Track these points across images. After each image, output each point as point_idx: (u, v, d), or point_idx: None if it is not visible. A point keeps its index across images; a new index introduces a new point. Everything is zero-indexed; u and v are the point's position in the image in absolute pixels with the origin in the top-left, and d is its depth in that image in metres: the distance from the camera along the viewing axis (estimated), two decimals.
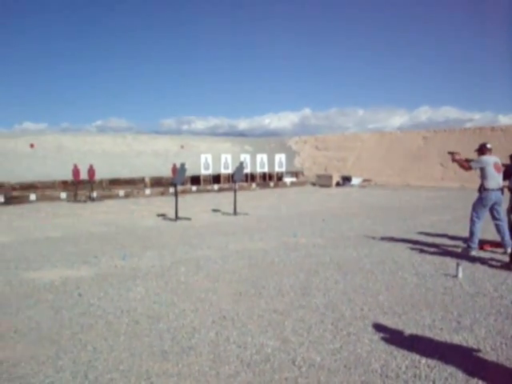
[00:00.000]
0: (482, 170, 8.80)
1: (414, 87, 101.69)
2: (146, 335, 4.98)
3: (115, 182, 23.24)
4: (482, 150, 9.05)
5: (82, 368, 4.20)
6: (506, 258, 8.19)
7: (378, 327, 5.15)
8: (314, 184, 29.94)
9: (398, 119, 79.54)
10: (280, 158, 29.71)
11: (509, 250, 8.38)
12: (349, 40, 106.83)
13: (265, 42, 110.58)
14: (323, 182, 29.14)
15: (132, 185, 23.62)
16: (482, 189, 8.84)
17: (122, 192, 22.20)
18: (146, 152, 29.17)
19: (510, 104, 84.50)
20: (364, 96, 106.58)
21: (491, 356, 4.43)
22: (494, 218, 9.00)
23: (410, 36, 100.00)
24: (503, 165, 9.18)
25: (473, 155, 9.45)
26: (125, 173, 24.64)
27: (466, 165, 9.01)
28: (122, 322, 5.41)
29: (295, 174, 32.05)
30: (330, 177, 29.27)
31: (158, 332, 5.07)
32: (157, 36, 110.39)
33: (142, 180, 24.31)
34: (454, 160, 9.10)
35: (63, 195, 20.88)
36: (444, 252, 9.10)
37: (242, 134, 51.81)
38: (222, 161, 26.42)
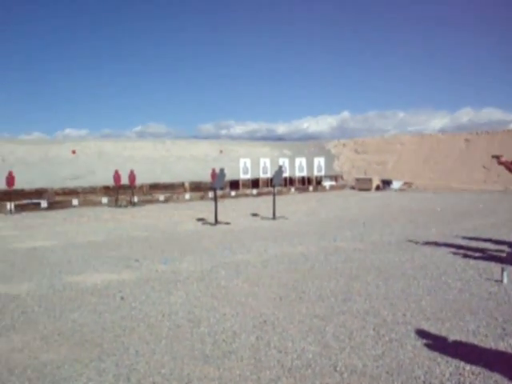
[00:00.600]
0: None
1: (455, 88, 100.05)
2: (187, 339, 5.00)
3: (155, 187, 23.49)
4: None
5: (125, 371, 4.25)
6: None
7: (421, 333, 5.07)
8: (353, 188, 29.70)
9: (438, 121, 78.27)
10: (319, 161, 29.57)
11: None
12: (388, 41, 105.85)
13: (303, 45, 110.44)
14: (363, 185, 28.89)
15: (172, 189, 23.84)
16: None
17: (162, 197, 22.42)
18: (185, 157, 29.45)
19: None
20: (404, 98, 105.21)
21: None
22: None
23: (450, 36, 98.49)
24: None
25: None
26: (164, 178, 24.91)
27: (509, 165, 8.79)
28: (164, 325, 5.45)
29: (334, 177, 31.85)
30: (370, 180, 29.00)
31: (199, 336, 5.09)
32: (194, 41, 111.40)
33: (182, 185, 24.51)
34: (500, 163, 8.89)
35: (104, 200, 21.20)
36: (488, 257, 8.90)
37: (280, 138, 51.90)
38: (261, 165, 26.45)
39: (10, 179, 18.46)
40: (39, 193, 20.13)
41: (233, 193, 24.86)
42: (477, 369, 4.18)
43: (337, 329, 5.23)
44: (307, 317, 5.65)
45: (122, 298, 6.52)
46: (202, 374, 4.18)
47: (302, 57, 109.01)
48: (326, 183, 29.96)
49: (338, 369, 4.23)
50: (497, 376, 4.04)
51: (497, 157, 8.94)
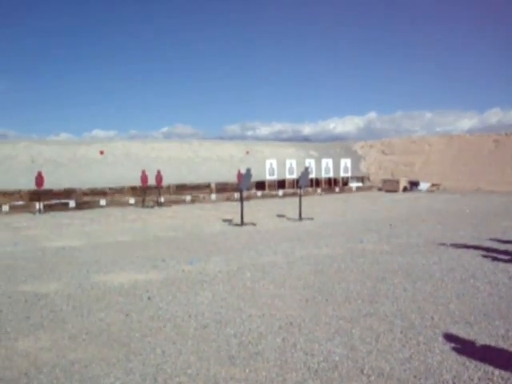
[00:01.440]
0: None
1: (484, 89, 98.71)
2: (213, 340, 5.02)
3: (182, 188, 23.64)
4: None
5: (151, 371, 4.27)
6: None
7: (449, 337, 5.00)
8: (380, 189, 29.49)
9: (467, 122, 77.41)
10: (345, 162, 29.43)
11: None
12: (414, 41, 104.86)
13: (329, 46, 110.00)
14: (390, 187, 28.66)
15: (198, 190, 23.96)
16: None
17: (188, 197, 22.55)
18: (212, 158, 29.54)
19: None
20: (431, 98, 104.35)
21: None
22: None
23: (478, 35, 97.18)
24: None
25: None
26: (191, 178, 25.04)
27: None
28: (190, 325, 5.47)
29: (361, 178, 31.67)
30: (397, 182, 28.76)
31: (225, 337, 5.09)
32: (221, 43, 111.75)
33: (208, 185, 24.62)
34: None
35: (132, 200, 21.40)
36: None
37: (306, 139, 51.77)
38: (287, 166, 26.42)
39: (40, 179, 18.76)
40: (67, 193, 20.43)
41: (259, 194, 24.88)
42: (506, 373, 4.12)
43: (363, 331, 5.19)
44: (334, 319, 5.62)
45: (149, 298, 6.56)
46: (228, 374, 4.19)
47: (329, 58, 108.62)
48: (353, 184, 29.81)
49: (364, 372, 4.20)
50: None
51: None
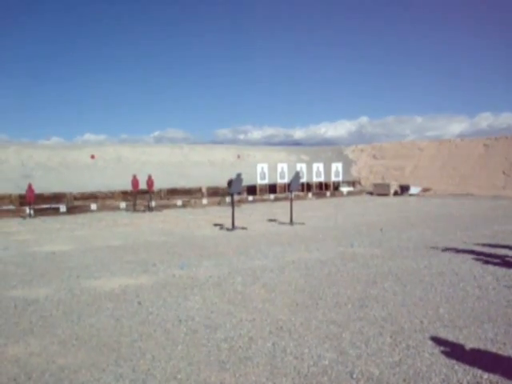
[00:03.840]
0: None
1: (474, 93, 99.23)
2: (203, 345, 5.02)
3: (173, 192, 23.61)
4: None
5: (141, 376, 4.27)
6: None
7: (439, 341, 5.03)
8: (371, 193, 29.58)
9: (457, 126, 77.78)
10: (336, 167, 29.52)
11: None
12: (406, 46, 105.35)
13: (320, 51, 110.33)
14: (381, 191, 28.76)
15: (189, 195, 23.94)
16: None
17: (179, 202, 22.53)
18: (203, 162, 29.56)
19: None
20: (422, 103, 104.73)
21: None
22: None
23: (469, 40, 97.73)
24: None
25: None
26: (182, 183, 25.02)
27: None
28: (180, 330, 5.46)
29: (352, 183, 31.75)
30: (388, 186, 28.86)
31: (215, 341, 5.09)
32: (212, 47, 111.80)
33: (199, 190, 24.61)
34: None
35: (123, 205, 21.35)
36: (507, 264, 8.80)
37: (297, 143, 51.91)
38: (278, 170, 26.46)
39: (30, 192, 18.58)
40: (58, 197, 20.35)
41: (250, 198, 24.89)
42: (495, 377, 4.14)
43: (353, 335, 5.21)
44: (324, 323, 5.63)
45: (140, 303, 6.55)
46: (218, 379, 4.19)
47: (320, 62, 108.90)
48: (344, 188, 29.87)
49: (354, 376, 4.21)
50: None
51: None
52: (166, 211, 20.65)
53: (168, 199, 22.87)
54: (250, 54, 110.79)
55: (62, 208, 19.61)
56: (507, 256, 9.48)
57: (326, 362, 4.50)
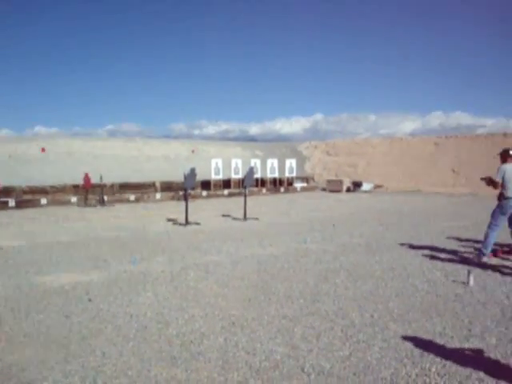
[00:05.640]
0: (502, 179, 8.71)
1: (426, 92, 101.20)
2: (154, 340, 4.97)
3: (126, 187, 23.29)
4: (504, 156, 8.96)
5: (91, 373, 4.20)
6: None
7: (388, 334, 5.12)
8: (324, 189, 29.87)
9: (410, 124, 79.18)
10: (291, 163, 29.66)
11: None
12: (360, 45, 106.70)
13: (277, 47, 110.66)
14: (334, 187, 29.07)
15: (142, 189, 23.67)
16: (502, 197, 8.76)
17: (132, 196, 22.26)
18: (157, 156, 29.24)
19: None
20: (376, 101, 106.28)
21: (501, 364, 4.38)
22: (510, 225, 8.96)
23: (422, 41, 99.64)
24: None
25: (484, 161, 9.39)
26: (135, 177, 24.69)
27: (496, 183, 8.85)
28: (131, 327, 5.41)
29: (305, 179, 31.99)
30: (341, 182, 29.20)
31: (166, 337, 5.06)
32: (168, 41, 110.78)
33: (153, 184, 24.36)
34: (488, 184, 9.03)
35: (74, 199, 20.95)
36: (455, 259, 9.04)
37: (253, 139, 51.95)
38: (233, 166, 26.41)
39: None
40: (6, 191, 19.79)
41: (204, 193, 24.79)
42: (443, 370, 4.25)
43: (305, 330, 5.25)
44: (276, 318, 5.66)
45: (90, 300, 6.44)
46: (169, 375, 4.16)
47: (275, 58, 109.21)
48: (298, 184, 30.08)
49: (305, 370, 4.25)
50: (462, 377, 4.10)
51: (484, 179, 9.10)
52: (118, 206, 20.37)
53: (121, 194, 22.55)
54: (204, 49, 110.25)
55: (11, 202, 19.09)
56: (456, 251, 9.73)
57: (278, 357, 4.53)
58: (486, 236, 8.85)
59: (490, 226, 8.88)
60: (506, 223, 8.99)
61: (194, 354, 4.62)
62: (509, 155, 8.89)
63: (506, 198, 8.68)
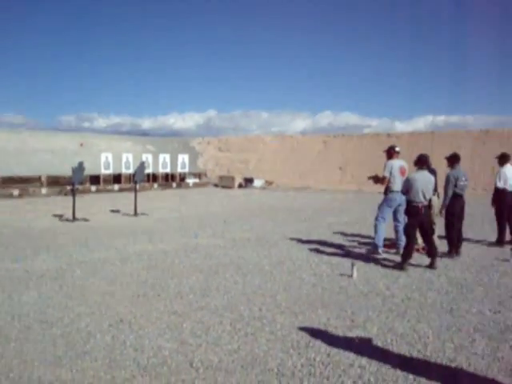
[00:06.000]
0: (390, 173, 9.17)
1: (317, 92, 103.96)
2: (38, 341, 4.80)
3: (8, 181, 22.16)
4: (390, 152, 9.47)
5: None
6: (399, 259, 8.56)
7: (276, 327, 5.25)
8: (216, 185, 30.00)
9: (301, 123, 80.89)
10: (183, 158, 29.52)
11: (401, 251, 8.73)
12: (254, 43, 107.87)
13: (172, 42, 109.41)
14: (225, 183, 29.27)
15: (27, 183, 22.63)
16: (388, 191, 9.23)
17: (16, 191, 21.23)
18: (43, 149, 28.03)
19: (405, 111, 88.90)
20: (268, 99, 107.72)
21: (382, 352, 4.63)
22: (394, 219, 9.45)
23: (316, 40, 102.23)
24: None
25: (370, 160, 9.84)
26: (20, 171, 23.56)
27: (384, 179, 9.29)
28: (13, 327, 5.18)
29: (198, 174, 31.96)
30: (233, 178, 29.45)
31: (51, 337, 4.89)
32: (60, 31, 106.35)
33: (39, 179, 23.36)
34: (376, 182, 9.47)
35: None
36: (341, 253, 9.40)
37: (145, 134, 51.01)
38: (123, 160, 25.86)
39: None
40: None
41: (93, 188, 24.12)
42: (327, 359, 4.42)
43: (194, 325, 5.28)
44: (165, 314, 5.64)
45: None
46: (54, 376, 4.04)
47: (170, 54, 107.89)
48: (190, 180, 29.99)
49: (194, 365, 4.27)
50: (345, 365, 4.29)
51: (371, 178, 9.53)
52: (0, 201, 19.36)
53: (3, 188, 21.44)
54: (98, 40, 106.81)
55: None
56: (341, 245, 10.13)
57: (166, 353, 4.52)
58: (376, 229, 9.28)
59: (377, 219, 9.32)
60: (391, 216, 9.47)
61: (79, 353, 4.51)
62: (395, 151, 9.43)
63: (392, 192, 9.16)
